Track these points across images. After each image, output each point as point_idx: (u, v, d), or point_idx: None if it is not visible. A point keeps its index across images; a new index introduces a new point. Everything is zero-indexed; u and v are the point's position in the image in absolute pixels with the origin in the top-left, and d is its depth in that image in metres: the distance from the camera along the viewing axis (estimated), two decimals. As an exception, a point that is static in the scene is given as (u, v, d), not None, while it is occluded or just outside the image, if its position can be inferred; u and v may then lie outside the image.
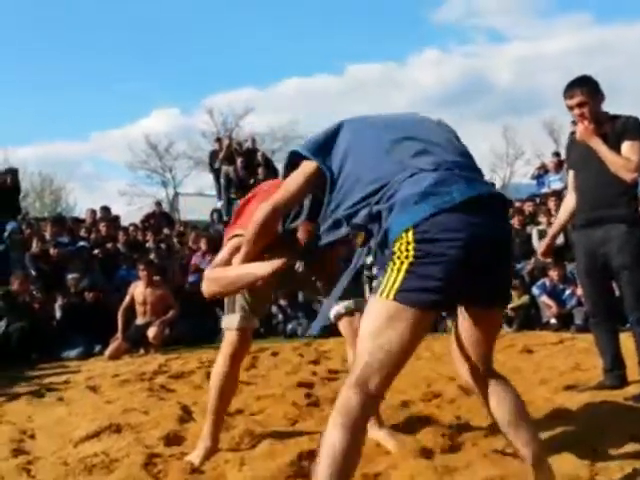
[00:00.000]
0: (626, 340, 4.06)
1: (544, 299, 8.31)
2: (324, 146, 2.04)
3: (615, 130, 3.55)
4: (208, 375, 5.37)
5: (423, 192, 1.77)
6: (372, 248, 1.89)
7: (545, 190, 11.64)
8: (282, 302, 9.43)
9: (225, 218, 13.76)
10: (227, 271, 2.37)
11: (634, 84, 39.45)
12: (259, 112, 37.86)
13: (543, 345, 6.36)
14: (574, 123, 4.27)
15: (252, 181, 14.51)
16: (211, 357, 6.58)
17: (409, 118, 2.12)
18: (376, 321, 1.76)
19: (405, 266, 1.74)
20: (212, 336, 8.52)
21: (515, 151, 33.96)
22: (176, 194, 25.83)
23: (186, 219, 16.33)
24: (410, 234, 1.74)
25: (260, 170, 14.33)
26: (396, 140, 1.94)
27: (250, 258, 2.24)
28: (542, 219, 9.23)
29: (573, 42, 44.13)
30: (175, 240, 11.54)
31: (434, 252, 1.72)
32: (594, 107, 3.55)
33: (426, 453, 2.68)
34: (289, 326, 9.02)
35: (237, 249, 2.36)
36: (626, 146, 3.49)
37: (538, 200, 10.97)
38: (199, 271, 9.91)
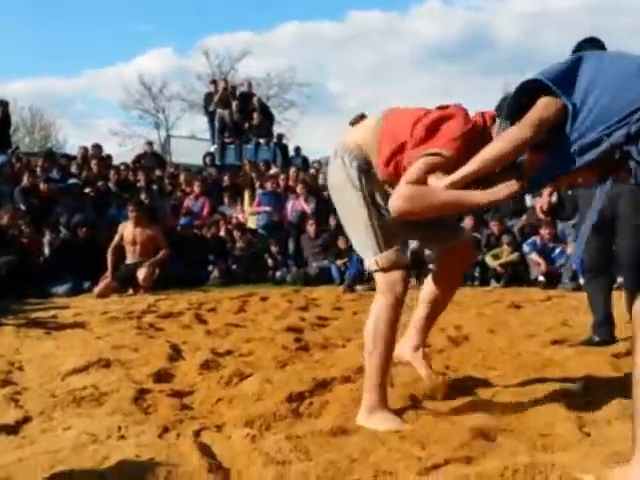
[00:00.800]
0: (617, 300, 4.09)
1: (534, 256, 8.35)
2: (567, 78, 2.00)
3: None
4: (197, 316, 5.41)
5: None
6: (632, 168, 1.91)
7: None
8: (273, 249, 9.42)
9: (218, 162, 13.62)
10: (435, 192, 2.14)
11: (638, 44, 38.88)
12: (256, 56, 36.98)
13: (531, 302, 6.41)
14: None
15: (246, 126, 14.31)
16: (201, 299, 6.60)
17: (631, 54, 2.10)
18: None
19: None
20: (203, 279, 8.54)
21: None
22: (168, 136, 25.47)
23: (178, 162, 16.13)
24: None
25: (255, 115, 14.12)
26: None
27: (460, 185, 2.11)
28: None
29: (578, 0, 43.27)
30: (167, 182, 11.42)
31: None
32: None
33: (415, 399, 2.69)
34: (278, 273, 9.04)
35: (434, 169, 2.18)
36: None
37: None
38: (191, 214, 9.85)
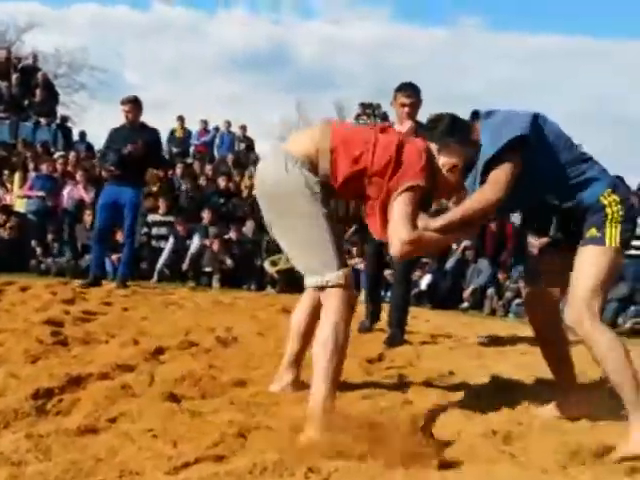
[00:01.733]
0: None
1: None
2: (535, 138, 2.43)
3: None
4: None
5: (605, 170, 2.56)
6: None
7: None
8: (50, 237, 8.73)
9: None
10: (430, 236, 2.42)
11: (420, 82, 42.69)
12: (47, 31, 34.09)
13: (302, 307, 6.65)
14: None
15: (26, 102, 13.13)
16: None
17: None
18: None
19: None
20: None
21: (305, 124, 35.01)
22: None
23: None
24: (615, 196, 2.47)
25: (38, 92, 13.00)
26: (570, 139, 2.58)
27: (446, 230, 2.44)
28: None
29: (372, 33, 46.44)
30: None
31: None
32: (417, 108, 4.46)
33: (175, 398, 2.64)
34: (45, 263, 8.38)
35: (415, 202, 2.35)
36: None
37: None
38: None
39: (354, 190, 2.44)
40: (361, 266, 8.50)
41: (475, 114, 2.59)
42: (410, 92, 4.42)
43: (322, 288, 2.40)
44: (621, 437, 2.34)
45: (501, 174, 2.39)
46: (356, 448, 1.99)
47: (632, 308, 6.88)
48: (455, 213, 2.46)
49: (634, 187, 8.76)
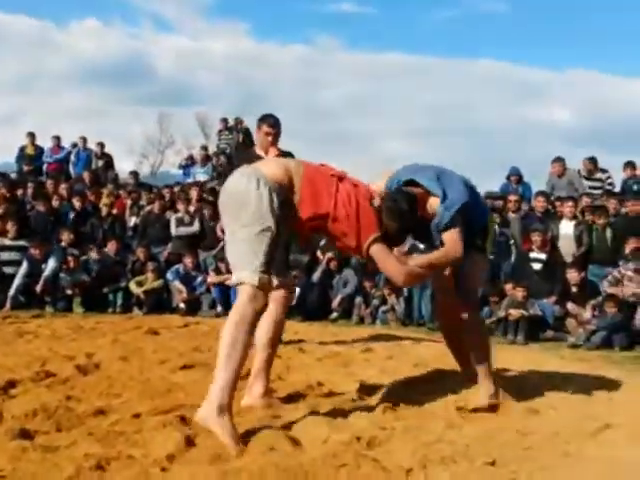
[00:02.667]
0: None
1: (176, 284, 8.52)
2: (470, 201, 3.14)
3: None
4: None
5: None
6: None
7: (190, 180, 11.96)
8: None
9: None
10: (420, 270, 2.99)
11: (279, 96, 43.36)
12: None
13: (168, 328, 6.49)
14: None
15: None
16: None
17: None
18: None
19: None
20: None
21: (167, 139, 34.34)
22: None
23: None
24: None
25: None
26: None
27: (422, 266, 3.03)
28: (181, 206, 9.45)
29: (231, 48, 46.47)
30: None
31: None
32: (278, 137, 4.89)
33: (27, 435, 2.47)
34: None
35: (387, 246, 2.92)
36: None
37: (179, 188, 11.15)
38: None
39: (311, 227, 2.89)
40: (231, 282, 8.44)
41: (413, 181, 3.12)
42: (272, 122, 4.94)
43: (238, 285, 2.74)
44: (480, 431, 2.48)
45: (456, 234, 3.01)
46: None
47: (485, 309, 7.34)
48: (426, 259, 3.07)
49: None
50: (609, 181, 9.62)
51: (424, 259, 3.07)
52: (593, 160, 9.65)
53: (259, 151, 4.83)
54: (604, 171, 9.71)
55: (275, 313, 3.27)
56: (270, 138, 4.94)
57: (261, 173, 2.79)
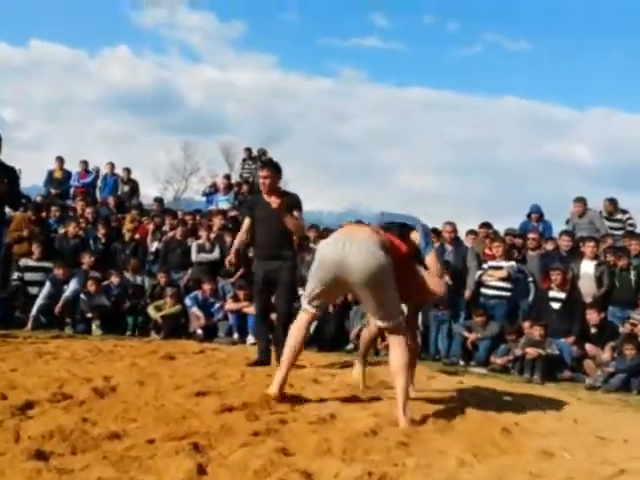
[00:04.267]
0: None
1: (194, 310, 8.59)
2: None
3: (287, 202, 5.68)
4: None
5: None
6: None
7: (212, 207, 12.11)
8: None
9: None
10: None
11: (303, 128, 43.86)
12: None
13: (185, 353, 6.53)
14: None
15: None
16: None
17: None
18: None
19: None
20: None
21: (192, 167, 34.84)
22: None
23: None
24: None
25: None
26: None
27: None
28: (202, 233, 9.57)
29: (258, 80, 47.30)
30: None
31: None
32: (275, 182, 5.76)
33: (42, 456, 2.51)
34: None
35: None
36: (296, 214, 5.68)
37: (199, 216, 11.29)
38: None
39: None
40: (249, 310, 8.49)
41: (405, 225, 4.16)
42: (266, 170, 5.68)
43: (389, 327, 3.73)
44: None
45: (436, 260, 4.15)
46: None
47: (502, 346, 7.28)
48: (433, 273, 4.08)
49: (501, 232, 9.36)
50: (630, 222, 9.56)
51: (433, 273, 4.08)
52: (613, 201, 9.62)
53: (265, 196, 5.73)
54: (624, 212, 9.66)
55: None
56: (267, 183, 5.68)
57: (374, 241, 3.66)
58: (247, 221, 6.08)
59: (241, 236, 6.18)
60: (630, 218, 9.61)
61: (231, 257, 6.22)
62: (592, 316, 7.11)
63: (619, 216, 9.57)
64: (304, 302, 3.91)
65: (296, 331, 3.91)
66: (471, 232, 9.28)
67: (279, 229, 5.65)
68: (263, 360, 5.78)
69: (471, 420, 3.70)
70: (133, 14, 53.75)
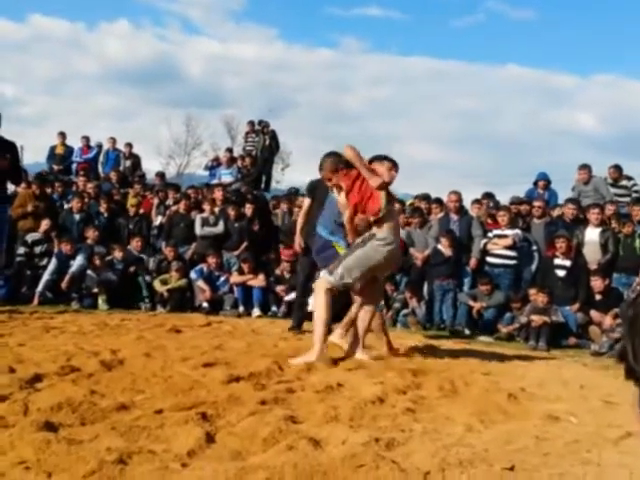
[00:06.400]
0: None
1: (200, 283, 8.61)
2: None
3: None
4: None
5: None
6: None
7: (215, 181, 12.06)
8: None
9: None
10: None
11: (306, 100, 43.64)
12: None
13: (191, 326, 6.56)
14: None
15: None
16: None
17: None
18: None
19: None
20: None
21: (194, 141, 34.65)
22: None
23: None
24: None
25: None
26: None
27: None
28: (206, 207, 9.54)
29: (259, 52, 46.79)
30: None
31: None
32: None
33: (52, 427, 2.53)
34: None
35: None
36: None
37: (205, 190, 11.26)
38: None
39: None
40: (254, 282, 8.52)
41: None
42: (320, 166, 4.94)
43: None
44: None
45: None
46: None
47: (507, 314, 7.30)
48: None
49: (505, 201, 9.33)
50: (635, 188, 9.49)
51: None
52: (618, 168, 9.55)
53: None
54: (630, 178, 9.59)
55: None
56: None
57: None
58: (307, 202, 6.33)
59: (303, 217, 6.38)
60: (636, 184, 9.54)
61: (300, 240, 6.38)
62: (597, 283, 7.11)
63: (624, 182, 9.51)
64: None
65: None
66: (476, 201, 9.25)
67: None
68: (298, 325, 6.57)
69: (477, 386, 3.72)
70: (131, -14, 53.24)
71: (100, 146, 12.98)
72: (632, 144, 39.40)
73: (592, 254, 7.69)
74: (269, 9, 51.57)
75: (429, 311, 7.99)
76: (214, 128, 35.15)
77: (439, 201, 9.06)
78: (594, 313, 6.92)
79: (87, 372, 3.69)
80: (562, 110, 44.07)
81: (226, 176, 12.24)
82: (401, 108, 44.89)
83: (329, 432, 2.61)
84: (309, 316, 6.67)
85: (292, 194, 11.09)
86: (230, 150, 13.66)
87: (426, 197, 9.63)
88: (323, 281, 4.45)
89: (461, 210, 8.66)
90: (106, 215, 9.81)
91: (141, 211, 10.22)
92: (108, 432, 2.49)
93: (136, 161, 12.92)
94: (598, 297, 7.10)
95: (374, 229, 4.40)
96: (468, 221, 8.45)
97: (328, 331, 4.48)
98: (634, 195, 9.38)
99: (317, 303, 4.48)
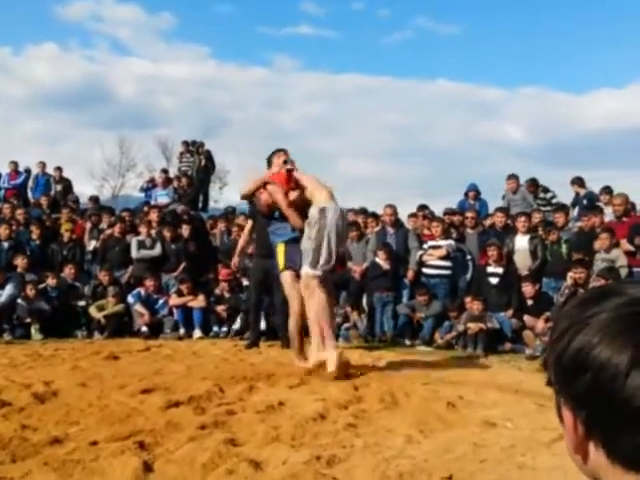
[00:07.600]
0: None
1: (138, 307, 8.43)
2: None
3: None
4: None
5: None
6: None
7: (152, 203, 11.84)
8: None
9: None
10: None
11: (241, 118, 43.57)
12: None
13: (129, 352, 6.41)
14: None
15: None
16: None
17: None
18: None
19: None
20: None
21: (128, 163, 33.99)
22: None
23: None
24: None
25: None
26: None
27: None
28: (142, 230, 9.36)
29: (191, 71, 46.51)
30: None
31: None
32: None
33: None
34: None
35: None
36: None
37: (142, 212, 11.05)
38: None
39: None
40: (194, 303, 8.41)
41: None
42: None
43: None
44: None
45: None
46: None
47: (445, 323, 7.44)
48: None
49: (440, 212, 9.55)
50: (554, 200, 9.85)
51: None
52: (534, 181, 9.92)
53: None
54: (547, 190, 9.97)
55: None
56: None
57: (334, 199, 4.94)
58: (249, 223, 6.97)
59: (244, 237, 7.14)
60: (554, 197, 9.91)
61: (236, 260, 7.37)
62: (528, 288, 7.33)
63: (542, 195, 9.89)
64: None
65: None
66: (412, 215, 9.42)
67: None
68: (256, 342, 7.00)
69: (417, 396, 3.78)
70: (57, 8, 52.23)
71: (29, 171, 12.59)
72: (557, 153, 41.01)
73: (522, 261, 7.93)
74: (199, 28, 51.32)
75: (370, 324, 8.06)
76: (148, 149, 34.58)
77: (375, 215, 9.18)
78: (527, 318, 7.13)
79: (18, 406, 3.57)
80: (491, 122, 45.47)
81: (162, 197, 12.04)
82: (335, 125, 45.40)
83: (270, 453, 2.60)
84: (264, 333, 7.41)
85: (229, 213, 11.02)
86: (165, 171, 13.47)
87: (363, 211, 9.75)
88: (308, 276, 4.70)
89: (397, 223, 8.80)
90: (38, 242, 9.50)
91: (73, 236, 9.93)
92: (40, 468, 2.41)
93: (67, 185, 12.57)
94: (530, 302, 7.32)
95: (311, 209, 4.72)
96: (404, 234, 8.59)
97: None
98: (554, 206, 9.73)
99: (314, 301, 4.69)
